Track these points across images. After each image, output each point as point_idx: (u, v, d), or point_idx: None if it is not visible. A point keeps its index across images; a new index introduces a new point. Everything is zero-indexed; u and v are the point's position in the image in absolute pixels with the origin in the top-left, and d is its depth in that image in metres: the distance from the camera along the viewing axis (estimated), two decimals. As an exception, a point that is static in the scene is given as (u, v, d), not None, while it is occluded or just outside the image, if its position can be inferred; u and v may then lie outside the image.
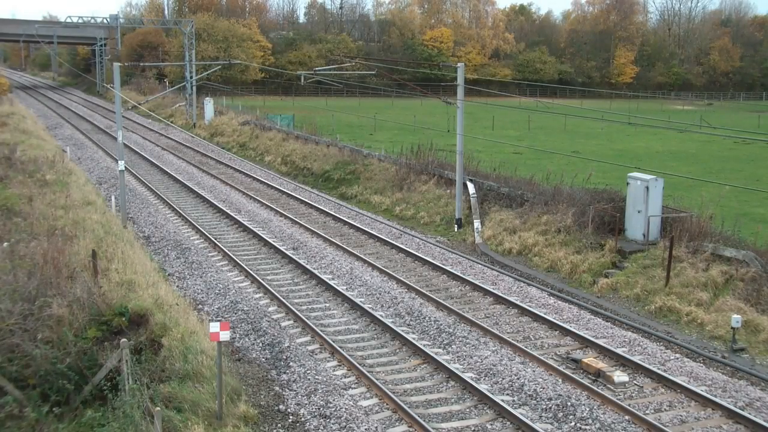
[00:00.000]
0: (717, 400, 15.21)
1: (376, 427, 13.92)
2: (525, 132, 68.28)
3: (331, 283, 22.43)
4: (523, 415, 14.45)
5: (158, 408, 12.33)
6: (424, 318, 19.88)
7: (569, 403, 15.04)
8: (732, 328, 18.28)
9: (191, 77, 66.81)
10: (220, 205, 33.34)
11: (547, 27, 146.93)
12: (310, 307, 20.70)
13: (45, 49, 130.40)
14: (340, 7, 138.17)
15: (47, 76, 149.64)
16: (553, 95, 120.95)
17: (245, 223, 30.05)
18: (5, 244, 19.90)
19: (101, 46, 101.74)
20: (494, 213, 29.57)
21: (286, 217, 31.70)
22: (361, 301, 20.90)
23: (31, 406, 13.31)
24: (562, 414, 14.69)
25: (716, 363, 17.54)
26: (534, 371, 16.58)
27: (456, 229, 29.90)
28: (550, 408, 14.94)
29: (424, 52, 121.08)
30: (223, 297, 21.28)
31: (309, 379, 15.87)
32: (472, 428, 14.16)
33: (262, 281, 22.39)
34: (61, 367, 13.90)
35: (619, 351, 17.70)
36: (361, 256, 25.59)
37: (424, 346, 17.86)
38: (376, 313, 19.87)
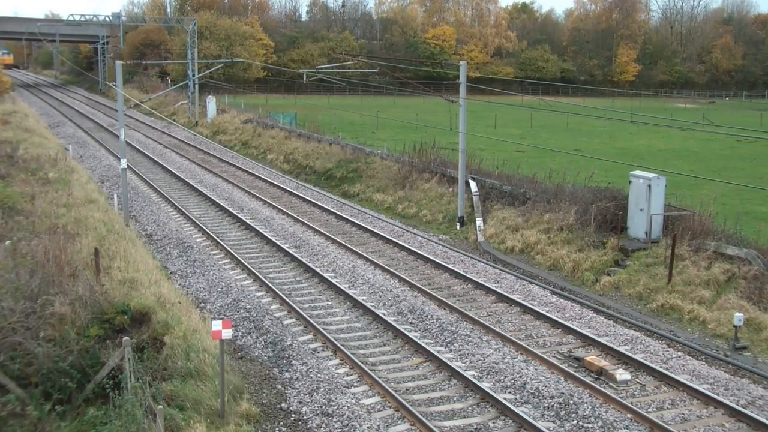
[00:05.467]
0: (719, 398, 15.21)
1: (378, 426, 13.92)
2: (527, 130, 68.23)
3: (334, 281, 22.43)
4: (526, 414, 14.45)
5: (160, 406, 12.34)
6: (427, 316, 19.88)
7: (571, 402, 15.04)
8: (734, 326, 18.26)
9: (193, 75, 66.81)
10: (222, 203, 33.35)
11: (550, 25, 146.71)
12: (312, 305, 20.71)
13: (47, 47, 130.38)
14: (343, 6, 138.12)
15: (49, 74, 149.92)
16: (556, 93, 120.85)
17: (247, 221, 30.07)
18: (7, 242, 19.91)
19: (103, 44, 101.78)
20: (496, 211, 29.55)
21: (289, 215, 31.70)
22: (363, 300, 20.91)
23: (34, 404, 13.33)
24: (564, 412, 14.69)
25: (718, 361, 17.52)
26: (536, 369, 16.58)
27: (458, 228, 29.88)
28: (553, 406, 14.94)
29: (426, 51, 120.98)
30: (225, 295, 21.30)
31: (311, 378, 15.89)
32: (475, 426, 14.16)
33: (264, 279, 22.40)
34: (64, 365, 13.93)
35: (621, 349, 17.69)
36: (364, 254, 25.59)
37: (426, 344, 17.86)
38: (378, 312, 19.87)
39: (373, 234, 28.80)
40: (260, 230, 28.50)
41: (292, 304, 20.25)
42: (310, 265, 24.05)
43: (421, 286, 22.14)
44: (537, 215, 27.66)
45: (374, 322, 19.51)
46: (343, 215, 31.65)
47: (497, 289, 22.00)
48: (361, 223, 30.21)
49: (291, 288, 22.18)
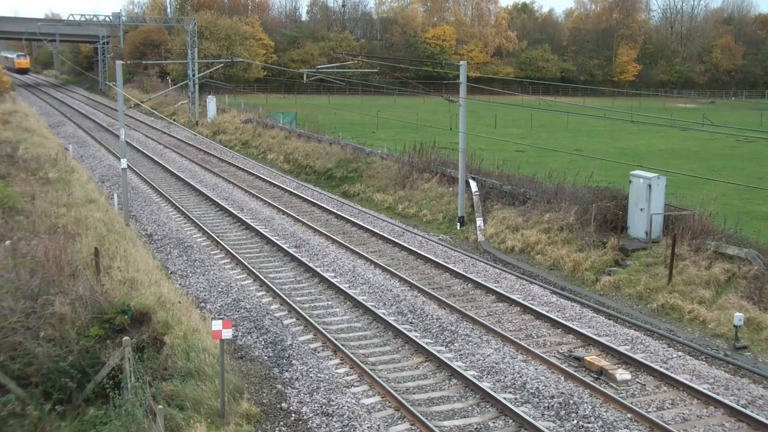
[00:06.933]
0: (719, 398, 15.21)
1: (379, 425, 13.92)
2: (527, 130, 68.23)
3: (334, 281, 22.43)
4: (526, 413, 14.45)
5: (160, 406, 12.34)
6: (427, 316, 19.88)
7: (571, 401, 15.04)
8: (734, 326, 18.26)
9: (193, 75, 66.82)
10: (222, 203, 33.34)
11: (550, 25, 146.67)
12: (312, 305, 20.71)
13: (47, 47, 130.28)
14: (343, 5, 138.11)
15: (50, 74, 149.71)
16: (556, 93, 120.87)
17: (247, 221, 30.06)
18: (7, 242, 19.91)
19: (104, 44, 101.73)
20: (497, 211, 29.55)
21: (289, 215, 31.70)
22: (363, 299, 20.91)
23: (34, 404, 13.33)
24: (564, 412, 14.69)
25: (719, 361, 17.52)
26: (536, 369, 16.58)
27: (458, 227, 29.88)
28: (553, 406, 14.94)
29: (427, 50, 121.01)
30: (225, 295, 21.30)
31: (311, 377, 15.89)
32: (475, 426, 14.16)
33: (264, 279, 22.40)
34: (64, 365, 13.92)
35: (621, 349, 17.69)
36: (364, 254, 25.59)
37: (426, 344, 17.86)
38: (378, 311, 19.87)
39: (373, 234, 28.80)
40: (260, 230, 28.49)
41: (292, 303, 20.25)
42: (310, 264, 24.05)
43: (421, 286, 22.14)
44: (537, 215, 27.65)
45: (374, 321, 19.51)
46: (343, 215, 31.65)
47: (497, 289, 21.99)
48: (361, 223, 30.21)
49: (291, 288, 22.18)
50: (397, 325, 18.81)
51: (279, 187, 38.41)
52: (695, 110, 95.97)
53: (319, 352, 17.40)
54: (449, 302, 20.69)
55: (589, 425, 14.18)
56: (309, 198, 35.39)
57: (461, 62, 30.45)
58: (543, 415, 14.67)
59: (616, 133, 67.49)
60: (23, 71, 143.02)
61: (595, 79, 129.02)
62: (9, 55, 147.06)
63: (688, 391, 15.67)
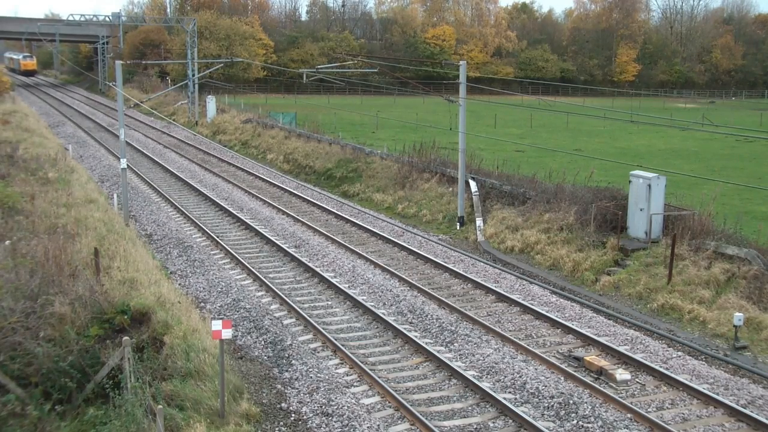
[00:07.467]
0: (719, 398, 15.21)
1: (378, 425, 13.92)
2: (527, 130, 68.22)
3: (333, 281, 22.43)
4: (526, 413, 14.45)
5: (160, 406, 12.34)
6: (426, 316, 19.88)
7: (571, 401, 15.04)
8: (734, 326, 18.26)
9: (193, 75, 66.81)
10: (222, 203, 33.34)
11: (549, 25, 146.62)
12: (312, 305, 20.71)
13: (47, 47, 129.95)
14: (342, 5, 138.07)
15: (49, 74, 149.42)
16: (556, 93, 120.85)
17: (247, 221, 30.06)
18: (7, 242, 19.91)
19: (103, 44, 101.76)
20: (496, 211, 29.55)
21: (288, 215, 31.70)
22: (363, 299, 20.91)
23: (34, 404, 13.33)
24: (564, 412, 14.69)
25: (718, 361, 17.52)
26: (536, 369, 16.58)
27: (458, 227, 29.88)
28: (553, 406, 14.94)
29: (426, 50, 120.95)
30: (225, 295, 21.30)
31: (311, 377, 15.89)
32: (475, 426, 14.16)
33: (264, 279, 22.40)
34: (64, 365, 13.92)
35: (621, 349, 17.69)
36: (363, 254, 25.59)
37: (425, 344, 17.86)
38: (378, 311, 19.87)
39: (373, 234, 28.80)
40: (260, 230, 28.49)
41: (291, 303, 20.25)
42: (310, 264, 24.06)
43: (421, 286, 22.14)
44: (537, 215, 27.66)
45: (374, 321, 19.51)
46: (343, 215, 31.65)
47: (497, 289, 22.00)
48: (360, 223, 30.21)
49: (291, 288, 22.18)
50: (396, 325, 18.81)
51: (279, 187, 38.41)
52: (695, 110, 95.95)
53: (318, 352, 17.40)
54: (449, 302, 20.69)
55: (589, 425, 14.18)
56: (309, 198, 35.39)
57: (461, 62, 30.46)
58: (543, 415, 14.67)
59: (616, 133, 67.49)
60: (30, 73, 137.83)
61: (594, 79, 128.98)
62: (15, 57, 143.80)
63: (687, 391, 15.67)
